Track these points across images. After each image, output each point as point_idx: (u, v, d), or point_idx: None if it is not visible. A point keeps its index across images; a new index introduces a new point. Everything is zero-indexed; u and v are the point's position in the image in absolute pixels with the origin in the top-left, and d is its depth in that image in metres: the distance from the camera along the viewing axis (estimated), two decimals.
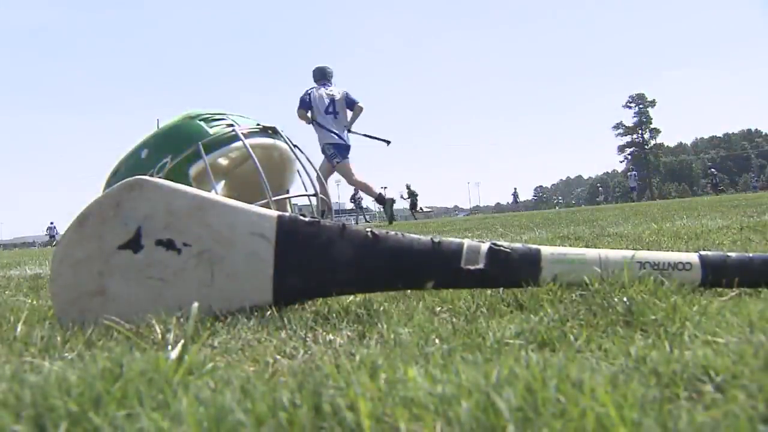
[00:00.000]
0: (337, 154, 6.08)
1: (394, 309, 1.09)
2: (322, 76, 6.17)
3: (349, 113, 6.17)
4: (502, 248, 1.11)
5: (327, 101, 6.02)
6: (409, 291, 1.20)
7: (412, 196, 24.16)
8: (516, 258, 1.10)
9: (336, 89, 6.13)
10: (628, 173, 31.89)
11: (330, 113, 6.02)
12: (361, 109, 6.12)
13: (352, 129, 6.21)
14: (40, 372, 0.69)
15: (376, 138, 6.41)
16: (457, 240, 1.13)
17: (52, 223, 31.02)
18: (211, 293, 1.06)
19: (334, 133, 6.01)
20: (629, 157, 66.32)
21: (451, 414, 0.50)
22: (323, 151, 6.15)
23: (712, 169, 26.49)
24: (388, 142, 6.51)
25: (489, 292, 1.15)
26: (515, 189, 32.75)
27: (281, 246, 1.09)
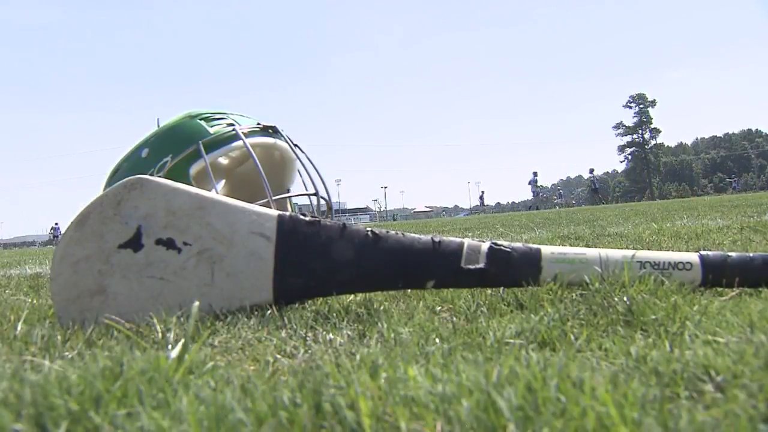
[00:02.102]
0: None
1: (395, 308, 1.09)
2: None
3: None
4: (502, 248, 1.11)
5: None
6: (409, 290, 1.20)
7: None
8: (516, 257, 1.10)
9: None
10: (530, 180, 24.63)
11: None
12: None
13: None
14: (41, 371, 0.69)
15: None
16: (458, 239, 1.13)
17: (56, 223, 31.11)
18: (211, 292, 1.06)
19: None
20: (629, 156, 66.28)
21: (451, 413, 0.50)
22: None
23: (591, 175, 24.41)
24: None
25: (489, 291, 1.15)
26: (482, 192, 32.14)
27: (281, 245, 1.09)
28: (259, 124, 2.35)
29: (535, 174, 24.41)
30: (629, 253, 1.10)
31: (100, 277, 1.06)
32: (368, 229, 1.14)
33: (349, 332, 0.90)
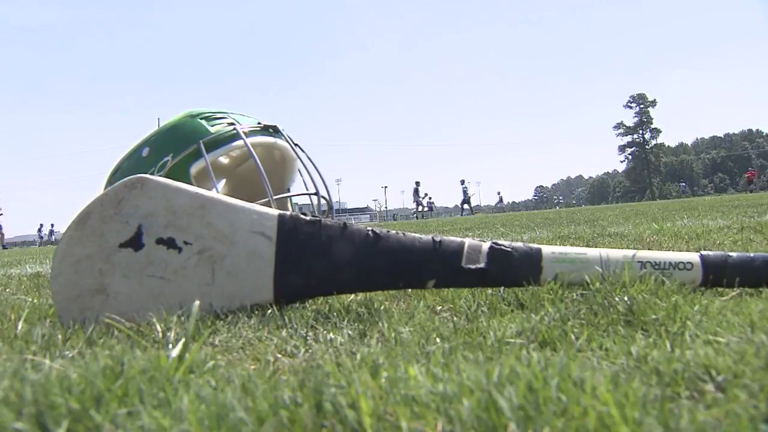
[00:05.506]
0: None
1: (395, 308, 1.09)
2: None
3: None
4: (503, 247, 1.11)
5: None
6: (410, 290, 1.20)
7: None
8: (517, 257, 1.10)
9: None
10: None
11: None
12: None
13: None
14: (41, 370, 0.69)
15: None
16: (458, 239, 1.13)
17: (41, 225, 31.05)
18: (211, 291, 1.06)
19: None
20: (630, 156, 66.24)
21: (452, 412, 0.50)
22: None
23: (463, 185, 23.19)
24: None
25: (490, 291, 1.15)
26: (499, 192, 32.93)
27: (282, 244, 1.09)
28: (259, 123, 2.35)
29: (462, 182, 23.10)
30: (630, 252, 1.10)
31: (101, 276, 1.06)
32: (369, 228, 1.14)
33: (350, 331, 0.90)
